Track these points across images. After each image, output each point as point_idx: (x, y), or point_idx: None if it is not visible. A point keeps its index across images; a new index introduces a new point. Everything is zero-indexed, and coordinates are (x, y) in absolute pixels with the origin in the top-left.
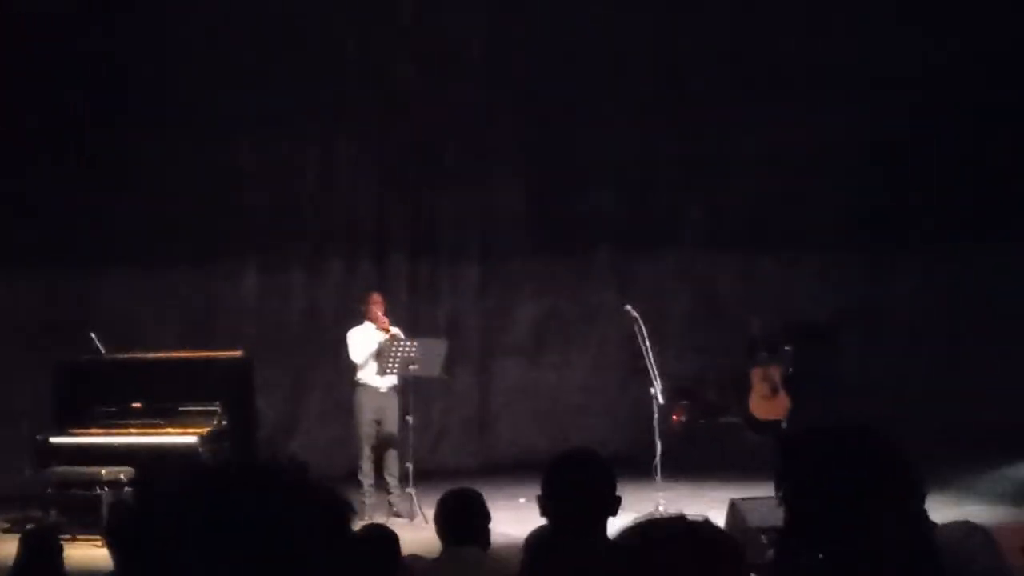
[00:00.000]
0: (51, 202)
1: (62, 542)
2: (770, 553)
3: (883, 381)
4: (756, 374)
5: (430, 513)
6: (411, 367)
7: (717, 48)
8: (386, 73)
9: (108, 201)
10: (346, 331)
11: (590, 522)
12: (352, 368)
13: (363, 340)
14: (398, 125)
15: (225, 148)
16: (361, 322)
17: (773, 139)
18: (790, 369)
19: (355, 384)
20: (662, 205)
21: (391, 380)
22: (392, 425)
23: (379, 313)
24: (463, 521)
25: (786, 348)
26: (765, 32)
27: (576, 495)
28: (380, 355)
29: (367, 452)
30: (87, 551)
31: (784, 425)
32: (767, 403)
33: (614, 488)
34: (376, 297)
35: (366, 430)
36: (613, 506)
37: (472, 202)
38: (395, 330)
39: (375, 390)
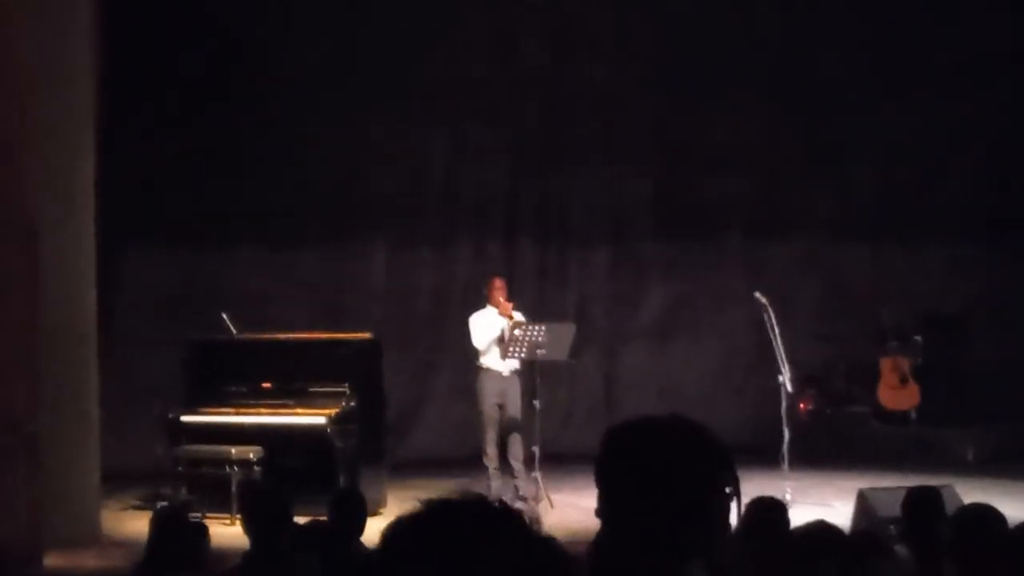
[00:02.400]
0: (185, 181)
1: (206, 523)
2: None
3: (1014, 370)
4: (886, 364)
5: (556, 497)
6: (539, 351)
7: (850, 33)
8: (516, 55)
9: (240, 181)
10: (472, 314)
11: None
12: (475, 353)
13: (485, 325)
14: (527, 107)
15: (356, 129)
16: (484, 306)
17: (904, 127)
18: (920, 359)
19: (478, 368)
20: (792, 191)
21: (513, 364)
22: (515, 409)
23: (501, 298)
24: None
25: (916, 338)
26: (898, 18)
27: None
28: (505, 340)
29: (492, 436)
30: (217, 529)
31: (913, 416)
32: (897, 393)
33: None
34: (499, 282)
35: (490, 414)
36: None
37: (602, 186)
38: (517, 315)
39: (498, 374)
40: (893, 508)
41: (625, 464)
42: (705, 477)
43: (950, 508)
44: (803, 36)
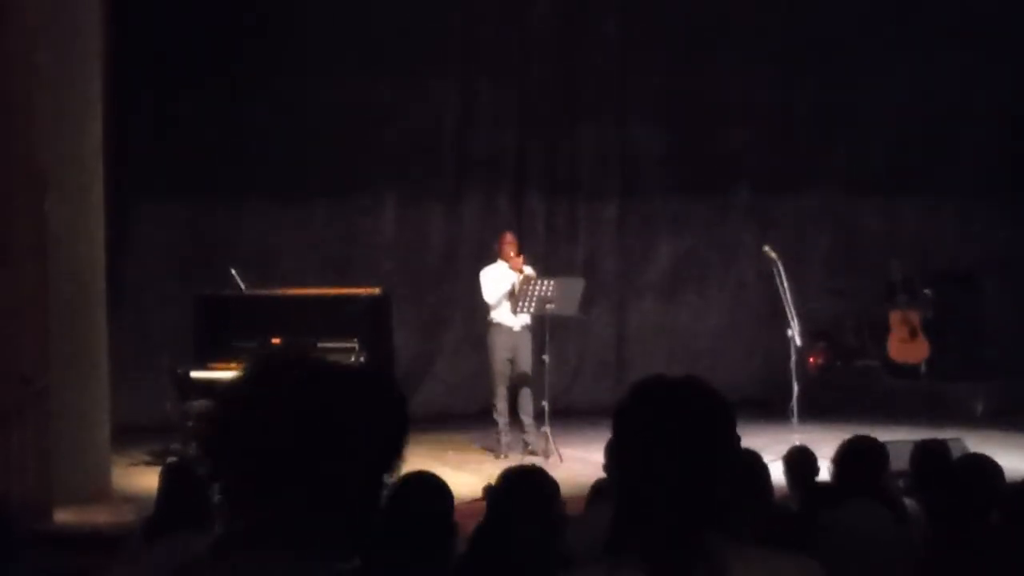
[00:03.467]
0: (194, 137)
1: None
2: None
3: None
4: (895, 317)
5: (566, 451)
6: (548, 306)
7: None
8: (525, 11)
9: (249, 137)
10: (484, 268)
11: None
12: (485, 307)
13: (496, 279)
14: (537, 63)
15: (365, 85)
16: (494, 261)
17: (916, 81)
18: (930, 313)
19: (488, 323)
20: (803, 146)
21: (524, 319)
22: (526, 364)
23: (512, 253)
24: None
25: (926, 292)
26: None
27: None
28: (515, 294)
29: (502, 391)
30: None
31: (923, 369)
32: (906, 347)
33: None
34: (509, 237)
35: (500, 368)
36: None
37: (611, 141)
38: (528, 270)
39: (508, 329)
40: (902, 461)
41: (644, 426)
42: (725, 440)
43: None
44: None
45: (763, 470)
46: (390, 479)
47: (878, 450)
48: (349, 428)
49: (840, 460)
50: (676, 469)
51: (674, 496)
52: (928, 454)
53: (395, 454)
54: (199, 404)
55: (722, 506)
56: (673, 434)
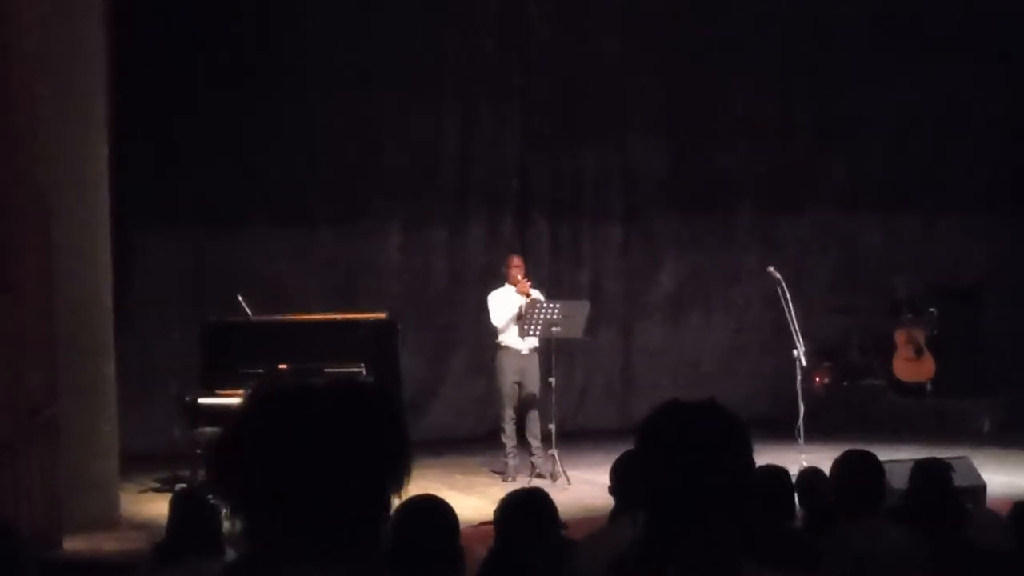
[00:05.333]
0: (198, 162)
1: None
2: None
3: None
4: (900, 336)
5: (573, 474)
6: (553, 329)
7: (860, 4)
8: (526, 29)
9: (253, 161)
10: (489, 291)
11: None
12: (493, 331)
13: (503, 303)
14: (538, 83)
15: (367, 107)
16: (502, 284)
17: (915, 97)
18: (935, 330)
19: (496, 346)
20: (804, 164)
21: (532, 342)
22: (534, 386)
23: (519, 276)
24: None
25: (931, 310)
26: None
27: None
28: (522, 317)
29: (509, 413)
30: None
31: (929, 387)
32: (912, 365)
33: None
34: (516, 260)
35: (508, 391)
36: None
37: (613, 162)
38: (535, 293)
39: (516, 352)
40: (907, 480)
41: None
42: (744, 464)
43: (965, 481)
44: (815, 5)
45: (788, 489)
46: (399, 492)
47: (872, 462)
48: (349, 444)
49: (837, 476)
50: (706, 491)
51: (704, 517)
52: (926, 473)
53: (400, 466)
54: (207, 431)
55: (748, 528)
56: (701, 456)
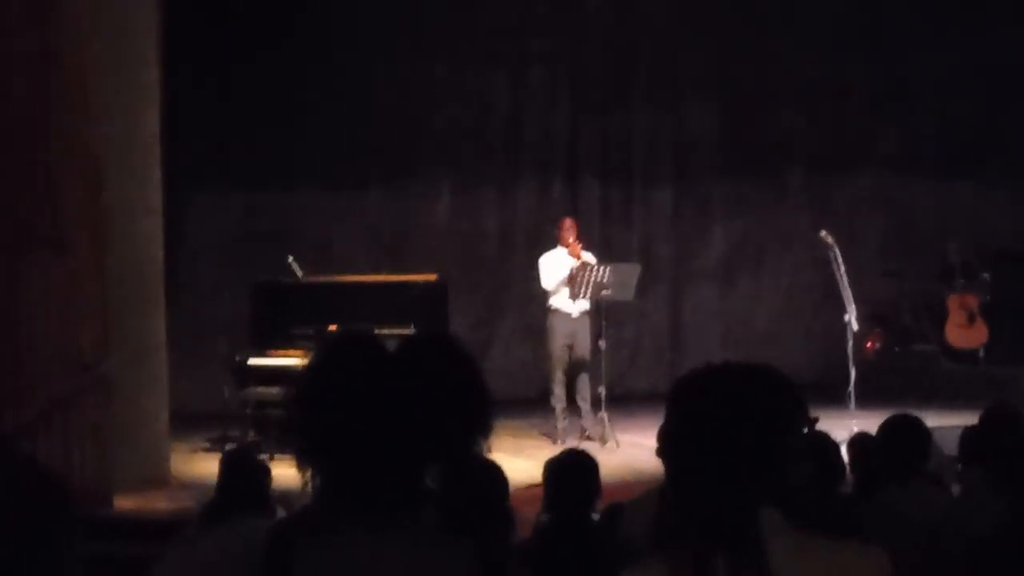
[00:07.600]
0: (249, 124)
1: (269, 464)
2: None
3: None
4: (953, 302)
5: (623, 437)
6: (604, 292)
7: None
8: None
9: (304, 123)
10: (538, 254)
11: None
12: (544, 293)
13: (555, 266)
14: (590, 47)
15: (418, 70)
16: (554, 247)
17: (970, 62)
18: (988, 296)
19: (547, 309)
20: (857, 128)
21: (583, 305)
22: (584, 350)
23: (571, 239)
24: None
25: (984, 275)
26: None
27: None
28: (572, 280)
29: (559, 376)
30: (284, 470)
31: (981, 354)
32: (964, 331)
33: None
34: (569, 223)
35: (558, 355)
36: None
37: (665, 125)
38: (587, 256)
39: (567, 315)
40: (955, 447)
41: (704, 409)
42: (787, 423)
43: None
44: None
45: (837, 455)
46: (486, 436)
47: (917, 426)
48: (425, 389)
49: (883, 440)
50: (727, 452)
51: (722, 479)
52: (995, 419)
53: (484, 411)
54: (258, 391)
55: (792, 491)
56: (727, 418)
